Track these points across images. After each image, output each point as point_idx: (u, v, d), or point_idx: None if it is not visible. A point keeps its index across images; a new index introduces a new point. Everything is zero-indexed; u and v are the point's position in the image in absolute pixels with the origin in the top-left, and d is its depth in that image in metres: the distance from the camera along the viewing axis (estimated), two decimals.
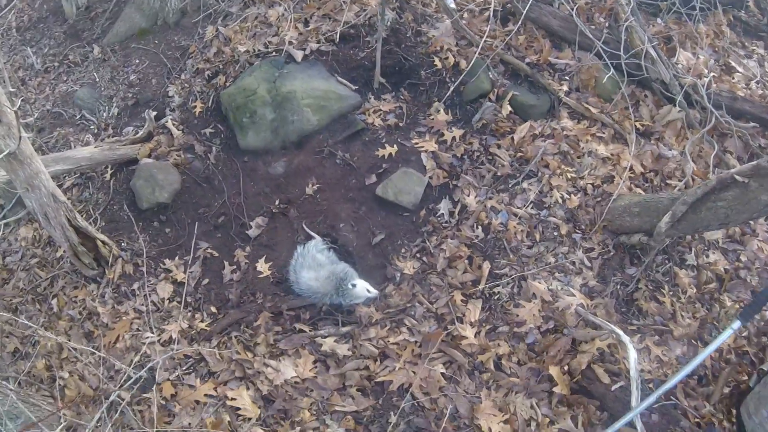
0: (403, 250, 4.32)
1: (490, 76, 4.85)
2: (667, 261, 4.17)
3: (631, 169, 4.43)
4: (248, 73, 4.98)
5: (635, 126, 4.57)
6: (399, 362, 3.77)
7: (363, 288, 3.95)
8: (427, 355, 3.79)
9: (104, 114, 5.55)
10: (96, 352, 3.79)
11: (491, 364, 3.77)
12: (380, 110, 4.90)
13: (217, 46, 5.41)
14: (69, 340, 4.06)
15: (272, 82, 4.86)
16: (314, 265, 4.08)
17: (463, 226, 4.31)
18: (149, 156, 4.89)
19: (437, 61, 4.95)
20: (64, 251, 4.29)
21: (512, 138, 4.63)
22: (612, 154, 4.50)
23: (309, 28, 5.21)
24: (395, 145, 4.68)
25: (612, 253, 4.16)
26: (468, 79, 4.79)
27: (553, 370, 3.67)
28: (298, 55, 4.98)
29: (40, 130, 5.80)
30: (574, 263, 4.11)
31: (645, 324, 3.92)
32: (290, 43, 5.05)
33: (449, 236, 4.29)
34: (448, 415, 3.57)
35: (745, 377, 3.71)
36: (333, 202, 4.59)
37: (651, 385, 3.59)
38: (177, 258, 4.46)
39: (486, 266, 4.10)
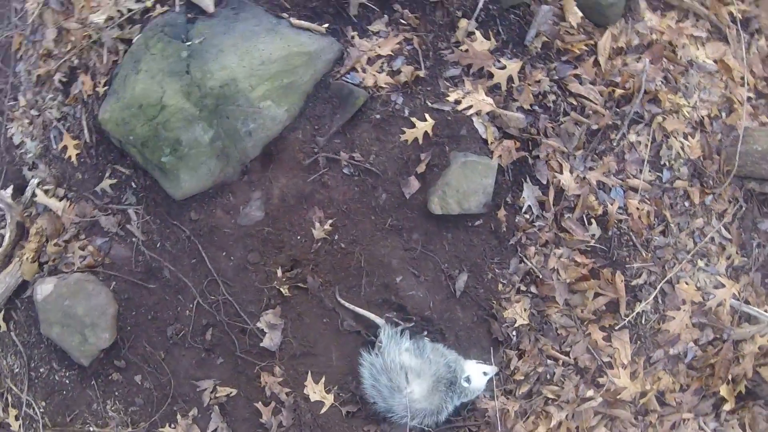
0: (500, 287, 2.95)
1: None
2: None
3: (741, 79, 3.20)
4: (131, 67, 2.54)
5: (733, 14, 3.17)
6: None
7: (479, 375, 2.80)
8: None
9: None
10: None
11: (655, 403, 3.00)
12: (378, 55, 2.86)
13: (54, 23, 2.60)
14: None
15: (184, 72, 2.55)
16: (410, 379, 2.68)
17: (566, 222, 2.97)
18: (40, 269, 2.70)
19: None
20: None
21: (596, 61, 3.01)
22: (716, 62, 3.18)
23: None
24: (427, 115, 2.86)
25: (744, 209, 3.22)
26: None
27: (724, 390, 3.04)
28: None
29: None
30: (713, 239, 3.14)
31: None
32: None
33: (550, 241, 2.97)
34: None
35: None
36: (365, 242, 2.88)
37: None
38: (179, 417, 2.69)
39: (619, 279, 2.96)
